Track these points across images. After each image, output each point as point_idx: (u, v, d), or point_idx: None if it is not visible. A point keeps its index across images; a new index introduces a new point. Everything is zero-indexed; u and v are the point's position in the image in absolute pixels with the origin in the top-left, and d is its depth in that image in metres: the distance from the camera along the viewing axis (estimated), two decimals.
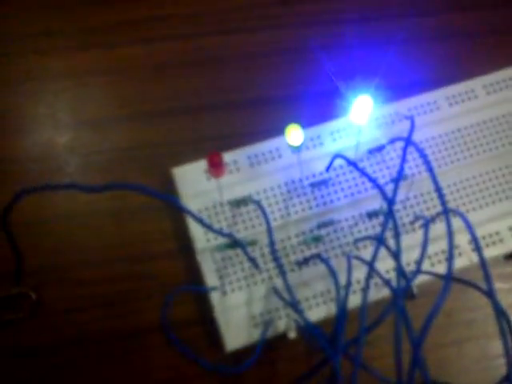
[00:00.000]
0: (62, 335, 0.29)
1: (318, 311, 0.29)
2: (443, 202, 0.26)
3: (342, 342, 0.24)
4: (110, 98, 0.34)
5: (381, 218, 0.30)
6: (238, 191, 0.31)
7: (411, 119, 0.30)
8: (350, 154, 0.31)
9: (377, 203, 0.31)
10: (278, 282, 0.29)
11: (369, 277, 0.25)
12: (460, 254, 0.30)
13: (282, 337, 0.29)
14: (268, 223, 0.28)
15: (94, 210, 0.31)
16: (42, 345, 0.29)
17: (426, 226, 0.28)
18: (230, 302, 0.29)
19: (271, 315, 0.29)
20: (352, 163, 0.27)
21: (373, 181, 0.26)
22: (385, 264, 0.29)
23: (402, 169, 0.27)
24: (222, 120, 0.33)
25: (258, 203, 0.29)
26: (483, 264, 0.26)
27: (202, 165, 0.31)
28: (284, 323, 0.29)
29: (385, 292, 0.29)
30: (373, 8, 0.35)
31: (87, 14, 0.35)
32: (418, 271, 0.27)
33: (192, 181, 0.31)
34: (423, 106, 0.33)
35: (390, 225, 0.27)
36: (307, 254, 0.30)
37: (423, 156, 0.26)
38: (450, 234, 0.25)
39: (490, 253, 0.30)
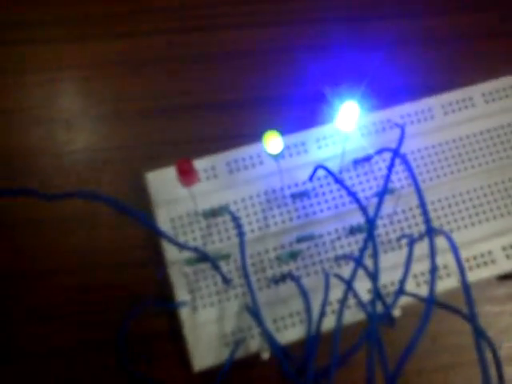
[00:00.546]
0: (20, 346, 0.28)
1: (295, 331, 0.27)
2: (428, 222, 0.24)
3: (311, 373, 0.22)
4: (86, 95, 0.32)
5: (364, 234, 0.28)
6: (214, 199, 0.29)
7: (402, 128, 0.28)
8: (336, 163, 0.29)
9: (361, 216, 0.29)
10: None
11: (345, 299, 0.24)
12: (448, 275, 0.28)
13: (256, 357, 0.27)
14: (241, 236, 0.26)
15: (61, 215, 0.29)
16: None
17: (410, 245, 0.26)
18: (201, 318, 0.27)
19: (244, 334, 0.27)
20: (334, 176, 0.25)
21: (354, 197, 0.24)
22: (366, 283, 0.27)
23: (386, 183, 0.25)
24: (202, 122, 0.31)
25: (232, 214, 0.27)
26: (466, 287, 0.23)
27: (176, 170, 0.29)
28: (258, 342, 0.27)
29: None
30: (362, 8, 0.33)
31: (66, 5, 0.33)
32: (400, 293, 0.25)
33: (165, 187, 0.29)
34: (417, 113, 0.31)
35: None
36: (285, 269, 0.28)
37: (410, 172, 0.24)
38: (434, 257, 0.23)
39: (481, 273, 0.29)
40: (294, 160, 0.30)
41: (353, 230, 0.28)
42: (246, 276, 0.24)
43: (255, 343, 0.27)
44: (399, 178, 0.30)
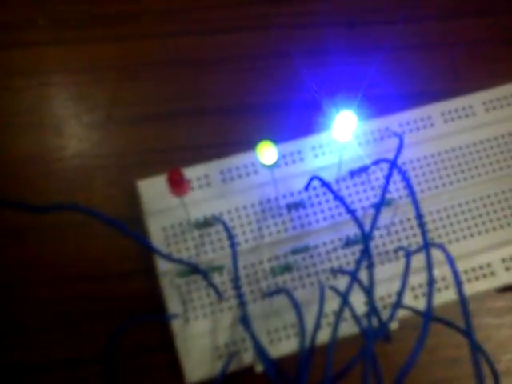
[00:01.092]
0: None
1: (289, 343, 0.27)
2: (424, 235, 0.23)
3: None
4: (77, 100, 0.32)
5: (361, 245, 0.28)
6: (207, 209, 0.28)
7: (400, 138, 0.27)
8: (332, 173, 0.29)
9: (356, 227, 0.28)
10: (245, 311, 0.27)
11: (340, 313, 0.23)
12: (446, 287, 0.28)
13: (249, 369, 0.26)
14: (233, 247, 0.25)
15: (51, 224, 0.28)
16: None
17: (407, 258, 0.25)
18: (193, 330, 0.27)
19: (237, 346, 0.26)
20: (328, 187, 0.24)
21: (349, 210, 0.23)
22: (362, 295, 0.27)
23: (383, 195, 0.25)
24: (195, 128, 0.31)
25: (224, 224, 0.27)
26: (463, 301, 0.23)
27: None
28: (251, 355, 0.26)
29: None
30: (361, 14, 0.32)
31: (57, 7, 0.33)
32: (398, 306, 0.25)
33: (157, 195, 0.28)
34: (416, 121, 0.30)
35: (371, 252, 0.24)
36: (280, 280, 0.27)
37: (408, 184, 0.24)
38: (431, 271, 0.22)
39: (480, 286, 0.28)
40: (289, 169, 0.29)
41: (349, 242, 0.28)
42: (237, 288, 0.23)
43: (249, 356, 0.26)
44: (397, 187, 0.29)
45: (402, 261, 0.28)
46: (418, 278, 0.27)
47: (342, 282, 0.27)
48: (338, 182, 0.29)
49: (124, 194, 0.30)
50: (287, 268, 0.27)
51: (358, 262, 0.23)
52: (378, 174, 0.29)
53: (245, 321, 0.23)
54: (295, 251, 0.28)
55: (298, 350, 0.26)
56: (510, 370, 0.29)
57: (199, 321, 0.27)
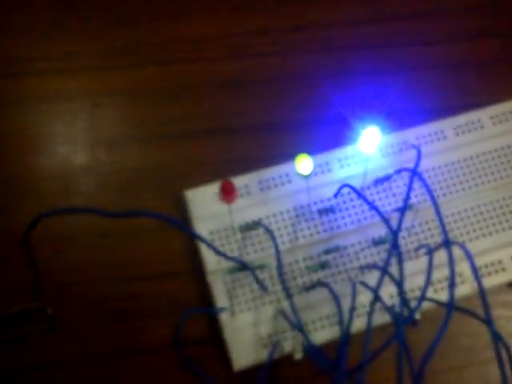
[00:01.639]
0: (73, 350, 0.31)
1: (324, 333, 0.30)
2: (445, 235, 0.27)
3: (344, 368, 0.24)
4: (126, 119, 0.35)
5: (386, 245, 0.31)
6: (248, 215, 0.32)
7: (418, 150, 0.31)
8: (358, 181, 0.32)
9: (382, 229, 0.32)
10: (286, 304, 0.30)
11: (373, 304, 0.26)
12: (462, 282, 0.31)
13: (288, 357, 0.30)
14: (276, 248, 0.29)
15: (108, 231, 0.32)
16: (54, 359, 0.30)
17: (429, 255, 0.28)
18: (239, 322, 0.30)
19: (278, 336, 0.30)
20: (358, 193, 0.28)
21: (379, 212, 0.27)
22: (388, 289, 0.30)
23: (407, 200, 0.28)
24: (234, 144, 0.34)
25: (267, 228, 0.30)
26: (482, 293, 0.26)
27: (213, 188, 0.32)
28: (290, 344, 0.30)
29: (388, 316, 0.30)
30: (382, 36, 0.36)
31: (100, 38, 0.37)
32: (423, 298, 0.28)
33: (204, 203, 0.32)
34: (430, 135, 0.34)
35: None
36: (314, 277, 0.31)
37: (428, 190, 0.27)
38: (452, 266, 0.26)
39: (492, 281, 0.31)
40: (319, 178, 0.33)
41: (376, 242, 0.31)
42: (282, 283, 0.27)
43: (288, 345, 0.30)
44: (416, 194, 0.33)
45: (422, 259, 0.31)
46: (437, 274, 0.31)
47: (369, 278, 0.31)
48: (363, 189, 0.32)
49: (170, 204, 0.33)
50: (323, 265, 0.30)
51: (388, 258, 0.27)
52: (399, 183, 0.33)
53: (292, 311, 0.26)
54: (327, 251, 0.31)
55: (331, 340, 0.30)
56: None
57: (244, 314, 0.30)
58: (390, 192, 0.33)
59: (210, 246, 0.25)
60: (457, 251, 0.29)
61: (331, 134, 0.33)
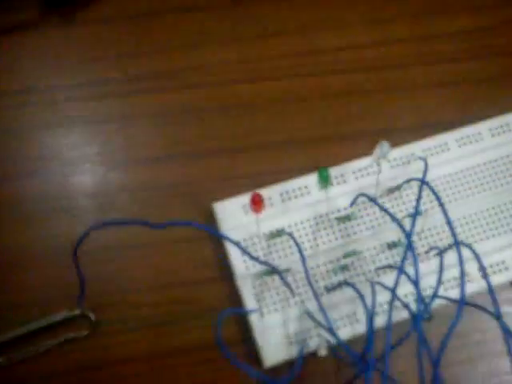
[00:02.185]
0: (115, 353, 0.33)
1: (345, 332, 0.33)
2: (455, 237, 0.30)
3: (372, 358, 0.27)
4: (156, 139, 0.38)
5: (399, 249, 0.34)
6: (272, 224, 0.35)
7: (424, 161, 0.34)
8: (371, 191, 0.35)
9: (394, 234, 0.35)
10: (309, 305, 0.33)
11: (392, 302, 0.29)
12: (470, 281, 0.34)
13: (312, 354, 0.32)
14: (301, 253, 0.32)
15: (147, 242, 0.35)
16: (96, 362, 0.33)
17: (440, 256, 0.31)
18: (267, 322, 0.33)
19: (304, 335, 0.32)
20: (374, 201, 0.31)
21: (394, 218, 0.30)
22: (403, 289, 0.33)
23: (417, 206, 0.31)
24: (255, 159, 0.37)
25: (291, 235, 0.33)
26: (491, 290, 0.29)
27: (239, 200, 0.35)
28: (314, 342, 0.32)
29: (403, 313, 0.33)
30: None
31: (129, 65, 0.40)
32: (435, 296, 0.31)
33: (231, 215, 0.35)
34: (435, 147, 0.37)
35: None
36: (334, 280, 0.34)
37: (437, 198, 0.30)
38: (462, 265, 0.29)
39: (497, 279, 0.34)
40: (335, 189, 0.36)
41: (390, 246, 0.34)
42: (309, 284, 0.30)
43: (313, 342, 0.32)
44: (424, 201, 0.36)
45: (431, 261, 0.34)
46: (447, 274, 0.33)
47: (385, 279, 0.33)
48: (376, 198, 0.35)
49: (200, 216, 0.36)
50: (343, 268, 0.33)
51: (403, 258, 0.30)
52: (408, 191, 0.36)
53: (320, 310, 0.29)
54: (346, 255, 0.34)
55: (353, 338, 0.32)
56: None
57: (271, 315, 0.33)
58: (400, 200, 0.36)
59: (245, 251, 0.28)
60: (463, 252, 0.32)
61: (345, 148, 0.37)
